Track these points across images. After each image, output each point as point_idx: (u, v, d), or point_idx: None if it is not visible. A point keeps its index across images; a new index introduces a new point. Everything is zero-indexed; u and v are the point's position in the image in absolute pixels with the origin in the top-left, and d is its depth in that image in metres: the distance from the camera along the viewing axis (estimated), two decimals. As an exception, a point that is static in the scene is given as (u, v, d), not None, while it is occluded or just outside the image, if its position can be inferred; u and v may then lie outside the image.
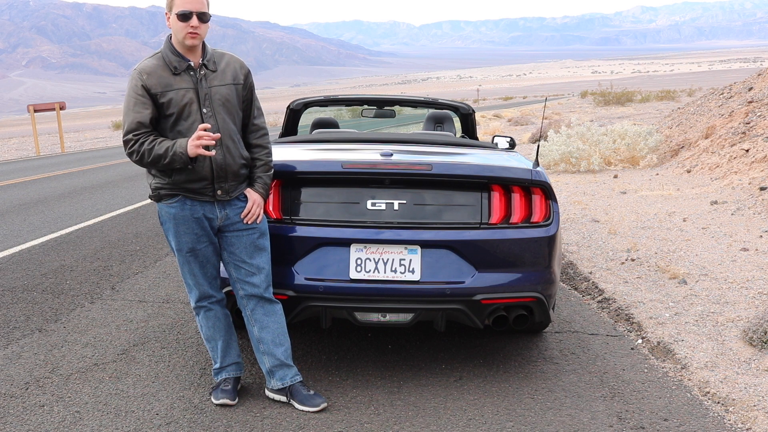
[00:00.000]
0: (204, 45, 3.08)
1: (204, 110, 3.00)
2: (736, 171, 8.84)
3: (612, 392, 3.35)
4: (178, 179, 3.01)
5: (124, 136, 2.99)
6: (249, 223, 3.14)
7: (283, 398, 3.22)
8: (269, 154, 3.24)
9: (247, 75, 3.17)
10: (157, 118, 2.99)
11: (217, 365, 3.31)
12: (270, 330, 3.21)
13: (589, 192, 9.52)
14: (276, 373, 3.22)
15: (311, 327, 4.23)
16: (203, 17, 2.97)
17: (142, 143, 2.93)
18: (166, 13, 3.00)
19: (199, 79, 3.01)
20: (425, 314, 3.31)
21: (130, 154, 2.98)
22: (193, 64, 3.01)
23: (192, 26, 2.93)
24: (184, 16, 2.93)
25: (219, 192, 3.07)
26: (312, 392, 3.21)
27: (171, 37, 3.04)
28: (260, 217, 3.18)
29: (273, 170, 3.26)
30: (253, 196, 3.15)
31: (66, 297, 5.05)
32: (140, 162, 2.97)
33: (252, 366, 3.66)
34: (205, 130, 2.88)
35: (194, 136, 2.89)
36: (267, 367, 3.24)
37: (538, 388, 3.40)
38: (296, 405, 3.16)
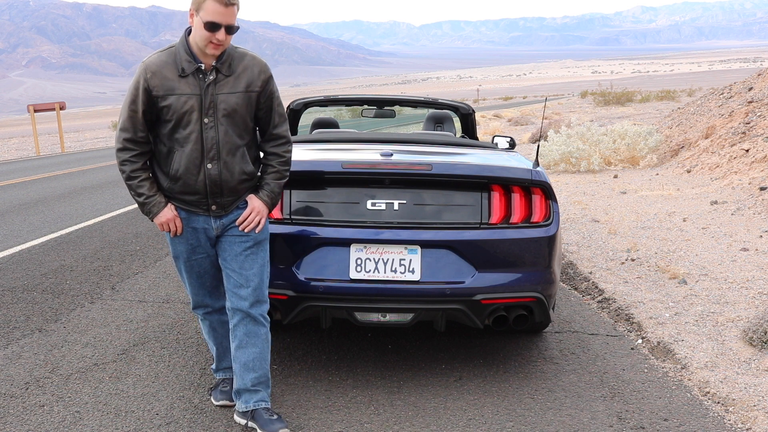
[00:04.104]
0: None
1: (205, 120, 2.78)
2: (736, 171, 8.84)
3: (612, 392, 3.35)
4: (173, 188, 2.86)
5: (118, 132, 2.85)
6: (248, 231, 2.92)
7: (242, 421, 3.00)
8: (285, 163, 2.99)
9: (267, 81, 2.89)
10: (156, 121, 2.82)
11: (214, 365, 3.31)
12: (246, 352, 2.97)
13: (589, 192, 9.52)
14: (241, 395, 3.01)
15: (311, 327, 4.23)
16: (230, 30, 2.72)
17: (127, 162, 2.83)
18: (191, 11, 2.73)
19: (207, 85, 2.77)
20: (425, 314, 3.31)
21: (115, 156, 2.90)
22: (203, 67, 2.77)
23: (218, 39, 2.69)
24: (212, 26, 2.67)
25: (214, 207, 2.89)
26: (275, 416, 2.95)
27: (189, 32, 2.78)
28: (260, 227, 2.94)
29: (286, 180, 3.03)
30: (254, 203, 2.93)
31: (66, 297, 5.05)
32: (119, 172, 2.91)
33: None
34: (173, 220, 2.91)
35: (167, 221, 2.88)
36: (235, 387, 3.04)
37: (538, 388, 3.40)
38: (257, 429, 2.94)
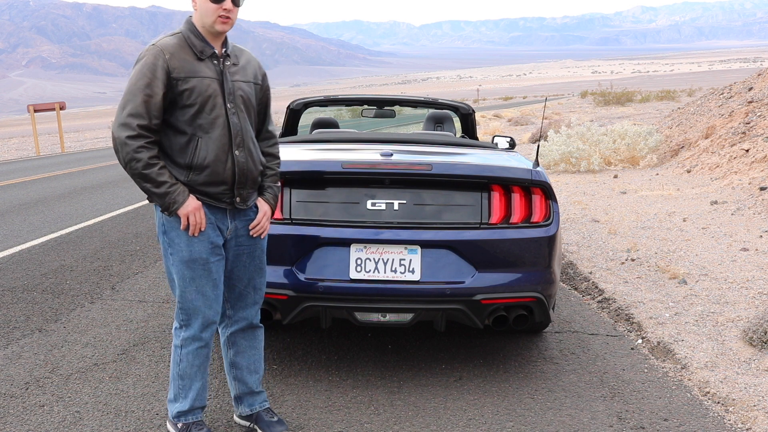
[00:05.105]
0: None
1: (228, 105, 2.65)
2: (736, 171, 8.84)
3: (612, 392, 3.35)
4: (195, 179, 2.63)
5: (125, 118, 2.52)
6: (256, 236, 2.82)
7: (246, 423, 2.99)
8: (279, 164, 2.96)
9: (265, 76, 2.87)
10: (169, 108, 2.59)
11: (186, 406, 2.82)
12: (246, 356, 2.94)
13: (589, 192, 9.52)
14: (244, 400, 2.97)
15: (311, 327, 4.23)
16: (237, 0, 2.64)
17: (143, 149, 2.52)
18: None
19: (223, 71, 2.66)
20: (425, 314, 3.31)
21: (122, 145, 2.52)
22: (216, 52, 2.66)
23: (225, 9, 2.59)
24: None
25: (237, 199, 2.71)
26: (276, 419, 2.94)
27: (192, 18, 2.67)
28: (266, 232, 2.87)
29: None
30: (264, 207, 2.83)
31: (66, 297, 5.05)
32: (125, 164, 2.55)
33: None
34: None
35: (194, 211, 2.60)
36: (235, 392, 2.98)
37: (538, 388, 3.40)
38: (258, 431, 2.95)
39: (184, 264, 2.66)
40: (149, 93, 2.53)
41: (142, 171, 2.52)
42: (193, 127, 2.61)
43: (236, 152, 2.67)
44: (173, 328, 2.82)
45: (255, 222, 2.80)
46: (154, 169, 2.53)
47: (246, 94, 2.73)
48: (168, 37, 2.64)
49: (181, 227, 2.62)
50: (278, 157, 2.96)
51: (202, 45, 2.63)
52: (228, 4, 2.60)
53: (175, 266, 2.69)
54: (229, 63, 2.69)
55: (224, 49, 2.70)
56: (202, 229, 2.64)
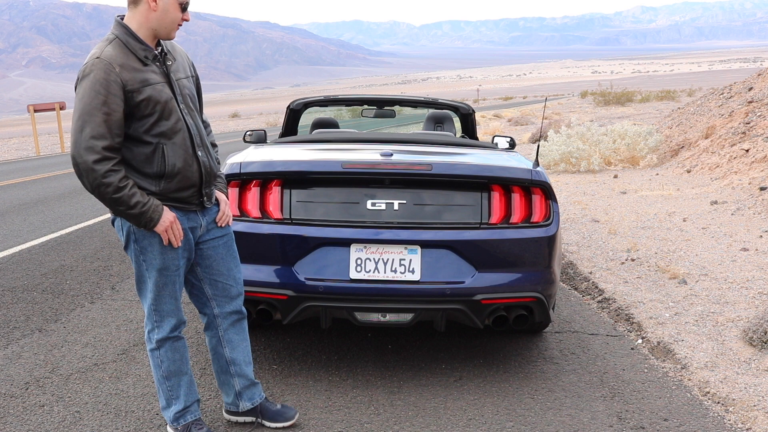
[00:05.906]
0: None
1: (181, 106, 2.62)
2: (736, 171, 8.84)
3: (612, 392, 3.35)
4: (168, 187, 2.59)
5: (88, 141, 2.41)
6: (225, 225, 2.85)
7: (251, 418, 3.01)
8: (218, 150, 2.95)
9: (194, 66, 2.85)
10: (126, 120, 2.50)
11: (181, 406, 2.82)
12: (240, 349, 2.96)
13: (589, 192, 9.52)
14: (245, 394, 2.98)
15: (311, 327, 4.23)
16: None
17: (111, 172, 2.43)
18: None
19: (168, 71, 2.61)
20: (425, 314, 3.31)
21: (88, 171, 2.42)
22: (157, 53, 2.60)
23: (183, 19, 2.61)
24: (185, 7, 2.58)
25: (205, 199, 2.73)
26: (280, 406, 3.01)
27: (124, 19, 2.55)
28: (231, 218, 2.91)
29: None
30: (222, 197, 2.87)
31: (66, 297, 5.05)
32: (92, 189, 2.47)
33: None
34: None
35: (171, 224, 2.58)
36: (237, 389, 2.97)
37: (538, 388, 3.40)
38: (267, 423, 2.97)
39: (158, 272, 2.67)
40: (107, 111, 2.42)
41: (113, 196, 2.46)
42: (154, 135, 2.55)
43: (199, 153, 2.67)
44: (146, 332, 2.79)
45: (220, 214, 2.84)
46: (125, 192, 2.46)
47: (190, 91, 2.72)
48: (108, 45, 2.50)
49: (164, 243, 2.62)
50: (217, 145, 2.93)
51: (144, 49, 2.54)
52: (187, 14, 2.63)
53: (148, 272, 2.69)
54: (170, 62, 2.64)
55: (159, 48, 2.63)
56: (181, 237, 2.63)
